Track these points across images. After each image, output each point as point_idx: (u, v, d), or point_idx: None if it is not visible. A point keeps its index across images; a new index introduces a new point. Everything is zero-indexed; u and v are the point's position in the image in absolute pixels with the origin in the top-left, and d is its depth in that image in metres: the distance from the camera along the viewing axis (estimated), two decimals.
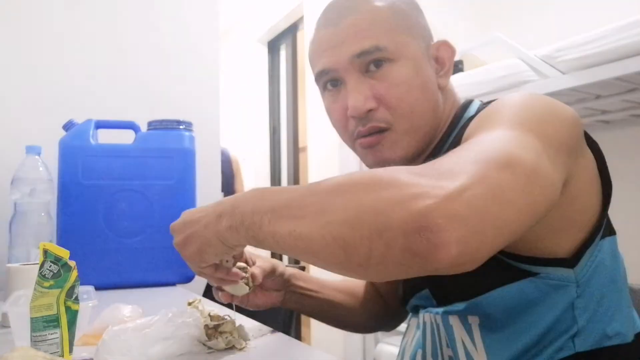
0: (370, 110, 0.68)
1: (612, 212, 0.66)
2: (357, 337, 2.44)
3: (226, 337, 0.68)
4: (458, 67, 2.17)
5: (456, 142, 0.67)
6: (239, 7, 4.11)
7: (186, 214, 0.64)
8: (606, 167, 0.65)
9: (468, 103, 0.74)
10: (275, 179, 4.18)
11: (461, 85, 1.79)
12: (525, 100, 0.58)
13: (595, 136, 0.67)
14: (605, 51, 1.36)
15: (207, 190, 1.59)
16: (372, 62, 0.68)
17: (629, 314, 0.67)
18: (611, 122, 1.85)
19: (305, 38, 3.01)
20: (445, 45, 0.72)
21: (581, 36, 1.43)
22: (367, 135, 0.70)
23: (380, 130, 0.69)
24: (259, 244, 0.52)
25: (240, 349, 0.69)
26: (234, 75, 4.55)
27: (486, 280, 0.58)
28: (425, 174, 0.43)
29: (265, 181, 4.21)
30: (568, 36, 1.48)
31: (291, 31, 3.70)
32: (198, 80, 1.72)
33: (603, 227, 0.64)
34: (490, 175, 0.42)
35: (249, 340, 0.72)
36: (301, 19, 3.31)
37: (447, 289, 0.59)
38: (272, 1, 3.87)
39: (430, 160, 0.67)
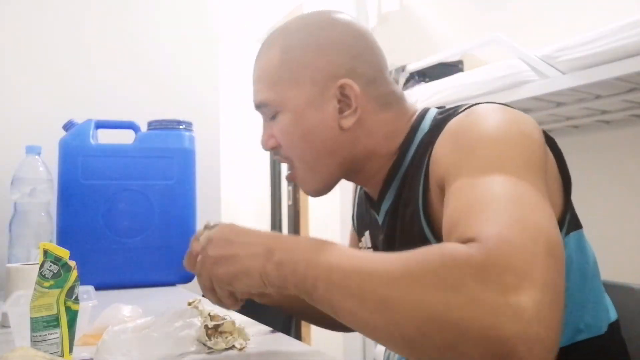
0: (274, 148, 0.75)
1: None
2: (357, 337, 2.44)
3: (226, 337, 0.68)
4: (458, 67, 2.18)
5: (418, 159, 0.68)
6: (238, 7, 4.11)
7: (230, 231, 0.60)
8: (564, 163, 0.66)
9: (422, 116, 0.74)
10: (274, 177, 4.19)
11: (461, 85, 1.79)
12: (498, 128, 0.58)
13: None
14: (605, 51, 1.36)
15: (207, 190, 1.59)
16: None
17: (601, 305, 0.68)
18: (611, 122, 1.85)
19: None
20: (349, 85, 0.69)
21: (581, 36, 1.42)
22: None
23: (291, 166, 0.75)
24: (312, 302, 0.52)
25: (240, 349, 0.69)
26: (233, 75, 4.55)
27: None
28: (487, 274, 0.43)
29: (264, 179, 4.21)
30: (568, 36, 1.48)
31: None
32: (198, 81, 1.72)
33: (567, 223, 0.65)
34: (549, 276, 0.44)
35: (249, 340, 0.72)
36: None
37: None
38: (272, 1, 3.88)
39: (392, 180, 0.71)
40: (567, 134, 2.01)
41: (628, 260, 1.80)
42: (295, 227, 3.91)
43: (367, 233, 0.82)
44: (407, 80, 2.23)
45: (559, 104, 1.68)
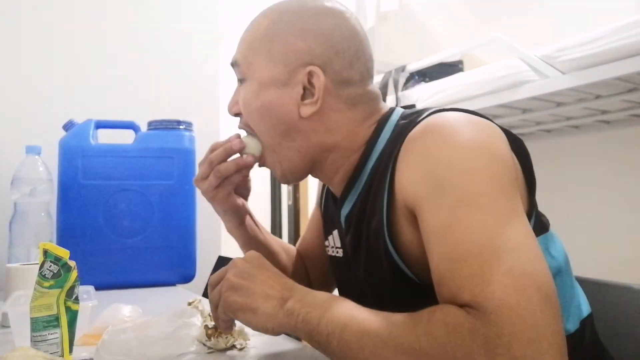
0: (237, 114, 0.76)
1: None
2: None
3: (226, 337, 0.68)
4: (458, 67, 2.18)
5: (381, 169, 0.67)
6: (238, 7, 4.11)
7: (255, 264, 0.63)
8: (530, 164, 0.66)
9: (385, 119, 0.73)
10: (274, 177, 4.17)
11: (461, 85, 1.80)
12: (466, 155, 0.57)
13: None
14: (605, 51, 1.36)
15: None
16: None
17: (572, 304, 0.68)
18: (611, 122, 1.85)
19: None
20: (316, 74, 0.69)
21: (581, 36, 1.43)
22: None
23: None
24: (322, 351, 0.56)
25: (240, 349, 0.69)
26: (234, 75, 4.55)
27: (429, 302, 0.57)
28: (494, 347, 0.46)
29: (264, 179, 4.20)
30: (568, 36, 1.48)
31: None
32: (198, 81, 1.72)
33: (533, 227, 0.64)
34: (549, 330, 0.47)
35: (249, 340, 0.72)
36: None
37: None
38: (272, 1, 3.87)
39: (353, 185, 0.72)
40: (567, 134, 2.01)
41: (628, 259, 1.80)
42: (295, 227, 3.91)
43: (335, 232, 0.82)
44: (407, 80, 2.23)
45: (559, 104, 1.68)
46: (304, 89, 0.70)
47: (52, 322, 0.60)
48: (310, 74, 0.69)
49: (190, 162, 1.36)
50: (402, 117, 0.71)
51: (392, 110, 0.74)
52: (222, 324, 0.64)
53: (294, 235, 3.92)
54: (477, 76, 1.75)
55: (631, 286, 0.81)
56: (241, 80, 0.74)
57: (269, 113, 0.71)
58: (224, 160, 0.77)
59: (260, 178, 4.30)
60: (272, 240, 0.93)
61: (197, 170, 0.80)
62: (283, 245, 0.98)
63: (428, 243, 0.57)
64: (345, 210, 0.74)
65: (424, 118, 0.64)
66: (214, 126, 1.74)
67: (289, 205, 4.01)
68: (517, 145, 0.65)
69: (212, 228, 1.66)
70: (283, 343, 0.75)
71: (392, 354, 0.50)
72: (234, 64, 0.75)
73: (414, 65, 2.13)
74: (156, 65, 1.65)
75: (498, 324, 0.47)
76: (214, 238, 1.66)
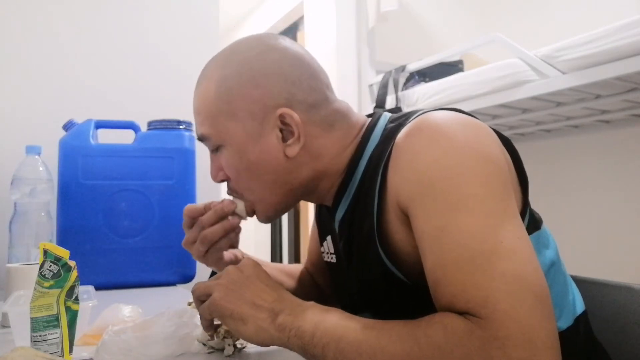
0: (223, 180, 0.75)
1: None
2: None
3: (226, 337, 0.68)
4: (458, 67, 2.18)
5: (371, 171, 0.67)
6: (239, 7, 4.11)
7: (249, 271, 0.63)
8: (521, 163, 0.66)
9: (373, 125, 0.72)
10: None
11: (461, 85, 1.80)
12: (456, 156, 0.57)
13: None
14: (605, 51, 1.36)
15: (207, 190, 1.59)
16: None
17: (565, 301, 0.69)
18: (611, 122, 1.85)
19: (305, 38, 3.01)
20: (288, 114, 0.67)
21: (581, 36, 1.43)
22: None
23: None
24: None
25: (240, 349, 0.69)
26: None
27: (428, 309, 0.57)
28: (490, 349, 0.48)
29: None
30: (568, 36, 1.48)
31: (291, 31, 3.70)
32: None
33: (526, 226, 0.64)
34: (542, 330, 0.49)
35: None
36: (301, 18, 3.31)
37: (389, 318, 0.59)
38: (272, 1, 3.88)
39: (344, 192, 0.71)
40: (567, 134, 2.01)
41: (627, 259, 1.80)
42: (295, 227, 3.91)
43: (328, 238, 0.82)
44: (407, 80, 2.23)
45: (559, 104, 1.68)
46: (281, 130, 0.69)
47: (52, 322, 0.60)
48: (282, 116, 0.68)
49: (190, 162, 1.36)
50: (391, 120, 0.71)
51: (379, 115, 0.74)
52: (203, 322, 0.65)
53: (294, 235, 3.92)
54: (477, 76, 1.75)
55: (631, 286, 0.81)
56: (216, 149, 0.72)
57: (257, 169, 0.70)
58: (215, 223, 0.74)
59: None
60: (273, 270, 0.91)
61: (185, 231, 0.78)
62: (285, 269, 0.97)
63: (421, 247, 0.58)
64: (338, 215, 0.74)
65: (413, 119, 0.64)
66: None
67: None
68: (506, 143, 0.65)
69: None
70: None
71: (391, 358, 0.51)
72: (201, 139, 0.73)
73: (414, 65, 2.13)
74: (156, 65, 1.65)
75: (493, 327, 0.48)
76: None
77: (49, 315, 0.60)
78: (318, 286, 0.96)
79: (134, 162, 1.31)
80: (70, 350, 0.62)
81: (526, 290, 0.50)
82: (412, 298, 0.60)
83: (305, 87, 0.70)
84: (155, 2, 1.68)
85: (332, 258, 0.82)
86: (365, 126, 0.73)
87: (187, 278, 1.34)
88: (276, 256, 4.11)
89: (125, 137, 1.34)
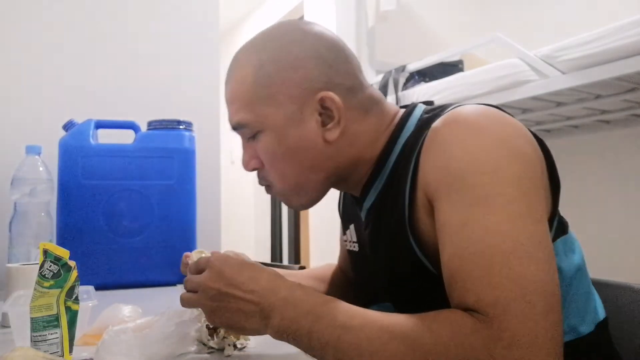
0: (256, 169, 0.74)
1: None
2: None
3: (226, 337, 0.68)
4: (458, 67, 2.18)
5: (404, 160, 0.67)
6: (239, 7, 4.11)
7: (221, 281, 0.60)
8: (554, 166, 0.65)
9: (408, 114, 0.72)
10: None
11: (461, 85, 1.80)
12: (488, 151, 0.57)
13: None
14: (605, 51, 1.36)
15: (207, 190, 1.59)
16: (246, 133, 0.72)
17: (588, 307, 0.68)
18: (611, 122, 1.85)
19: None
20: (329, 98, 0.67)
21: (581, 36, 1.43)
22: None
23: (268, 185, 0.75)
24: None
25: (241, 349, 0.69)
26: None
27: (443, 293, 0.58)
28: (494, 349, 0.48)
29: None
30: (568, 36, 1.48)
31: None
32: (198, 80, 1.72)
33: (555, 229, 0.64)
34: (548, 337, 0.49)
35: (249, 340, 0.72)
36: (301, 18, 3.31)
37: (410, 308, 0.58)
38: (272, 1, 3.88)
39: (375, 179, 0.71)
40: (567, 134, 2.01)
41: (628, 260, 1.80)
42: (295, 227, 3.91)
43: (351, 227, 0.82)
44: (407, 80, 2.23)
45: (559, 104, 1.68)
46: (319, 115, 0.69)
47: (52, 322, 0.60)
48: (322, 100, 0.68)
49: (190, 162, 1.36)
50: (426, 111, 0.71)
51: (414, 105, 0.73)
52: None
53: (294, 236, 3.92)
54: (477, 76, 1.75)
55: (632, 286, 0.81)
56: (252, 137, 0.71)
57: (296, 154, 0.69)
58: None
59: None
60: (302, 279, 0.89)
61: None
62: (315, 274, 0.96)
63: (441, 237, 0.57)
64: (367, 203, 0.74)
65: (449, 110, 0.64)
66: (214, 126, 1.74)
67: None
68: (540, 144, 0.64)
69: (212, 228, 1.66)
70: (283, 342, 0.75)
71: (394, 352, 0.51)
72: (237, 127, 0.72)
73: (414, 65, 2.13)
74: (156, 65, 1.65)
75: (499, 328, 0.48)
76: (214, 238, 1.67)
77: (49, 315, 0.60)
78: (350, 284, 0.95)
79: (133, 162, 1.31)
80: (70, 350, 0.62)
81: (538, 295, 0.50)
82: (436, 289, 0.59)
83: (342, 71, 0.70)
84: (155, 3, 1.68)
85: (354, 247, 0.82)
86: (400, 115, 0.73)
87: None
88: (276, 256, 4.11)
89: (125, 137, 1.34)
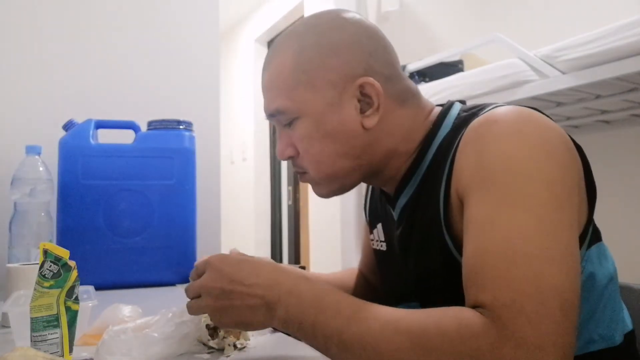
0: (291, 157, 0.73)
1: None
2: None
3: (226, 337, 0.68)
4: (458, 67, 2.18)
5: (440, 158, 0.66)
6: (239, 7, 4.11)
7: (224, 279, 0.60)
8: (590, 172, 0.65)
9: (446, 111, 0.72)
10: (274, 177, 4.19)
11: (461, 85, 1.80)
12: (523, 155, 0.56)
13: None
14: (605, 51, 1.36)
15: (207, 190, 1.59)
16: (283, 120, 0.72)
17: (617, 316, 0.67)
18: (611, 122, 1.85)
19: None
20: (369, 83, 0.67)
21: (581, 36, 1.43)
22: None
23: (303, 172, 0.74)
24: (325, 354, 0.56)
25: (240, 349, 0.69)
26: (234, 75, 4.55)
27: None
28: (501, 349, 0.46)
29: (265, 177, 4.21)
30: (568, 36, 1.48)
31: None
32: (198, 80, 1.72)
33: (589, 236, 0.64)
34: (559, 343, 0.47)
35: (249, 340, 0.72)
36: (301, 18, 3.31)
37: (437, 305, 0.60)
38: (272, 1, 3.88)
39: (411, 177, 0.71)
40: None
41: (629, 260, 1.80)
42: (295, 227, 3.91)
43: (379, 226, 0.81)
44: None
45: (559, 104, 1.68)
46: (359, 101, 0.69)
47: (52, 322, 0.60)
48: (362, 86, 0.68)
49: (190, 162, 1.36)
50: (463, 110, 0.71)
51: (451, 103, 0.73)
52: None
53: (294, 235, 3.92)
54: (477, 76, 1.75)
55: (631, 286, 0.81)
56: (289, 124, 0.71)
57: (334, 139, 0.69)
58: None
59: (260, 178, 4.31)
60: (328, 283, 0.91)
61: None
62: (334, 280, 0.95)
63: (467, 232, 0.56)
64: (401, 202, 0.73)
65: (488, 110, 0.63)
66: (214, 126, 1.74)
67: (289, 205, 4.01)
68: (579, 151, 0.64)
69: (212, 228, 1.66)
70: (283, 343, 0.75)
71: (395, 349, 0.50)
72: (275, 114, 0.71)
73: (414, 65, 2.13)
74: (156, 65, 1.65)
75: (510, 329, 0.47)
76: (214, 238, 1.66)
77: (49, 315, 0.60)
78: (372, 288, 0.95)
79: (134, 162, 1.31)
80: (70, 350, 0.62)
81: (555, 302, 0.48)
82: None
83: (381, 59, 0.70)
84: (155, 2, 1.68)
85: (381, 246, 0.81)
86: (436, 112, 0.73)
87: (187, 278, 1.33)
88: (276, 256, 4.11)
89: (125, 137, 1.34)
